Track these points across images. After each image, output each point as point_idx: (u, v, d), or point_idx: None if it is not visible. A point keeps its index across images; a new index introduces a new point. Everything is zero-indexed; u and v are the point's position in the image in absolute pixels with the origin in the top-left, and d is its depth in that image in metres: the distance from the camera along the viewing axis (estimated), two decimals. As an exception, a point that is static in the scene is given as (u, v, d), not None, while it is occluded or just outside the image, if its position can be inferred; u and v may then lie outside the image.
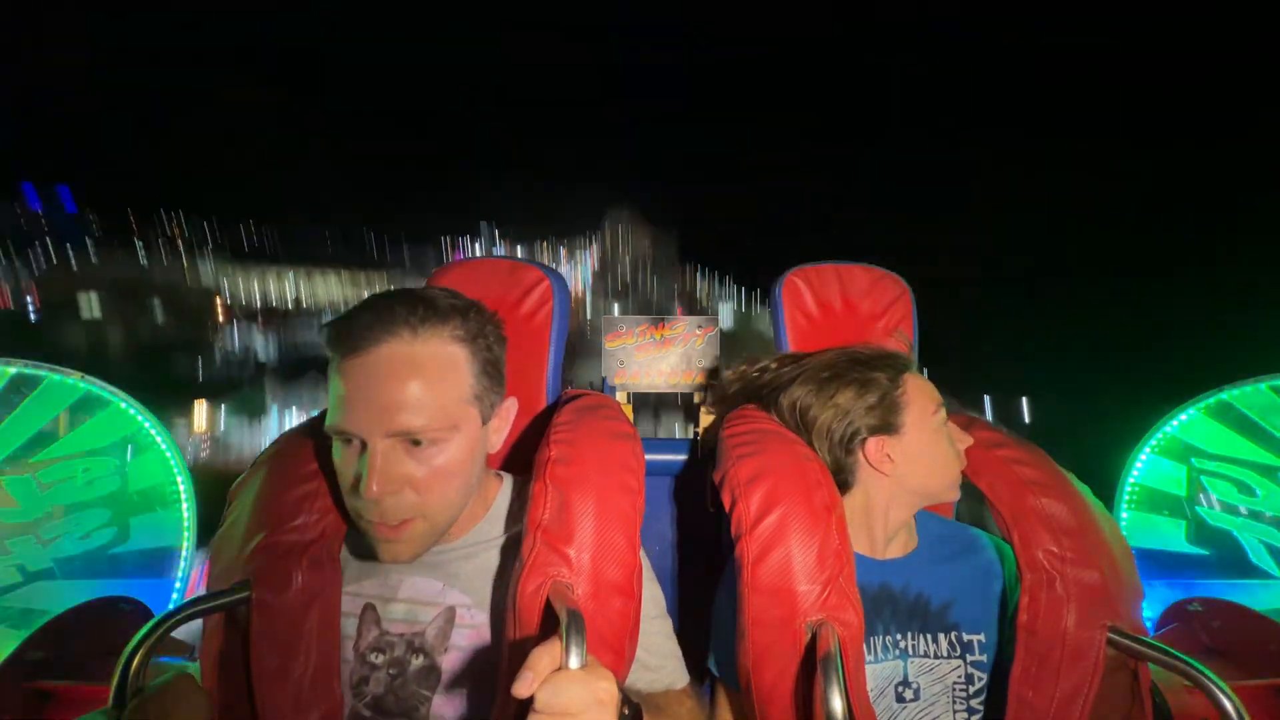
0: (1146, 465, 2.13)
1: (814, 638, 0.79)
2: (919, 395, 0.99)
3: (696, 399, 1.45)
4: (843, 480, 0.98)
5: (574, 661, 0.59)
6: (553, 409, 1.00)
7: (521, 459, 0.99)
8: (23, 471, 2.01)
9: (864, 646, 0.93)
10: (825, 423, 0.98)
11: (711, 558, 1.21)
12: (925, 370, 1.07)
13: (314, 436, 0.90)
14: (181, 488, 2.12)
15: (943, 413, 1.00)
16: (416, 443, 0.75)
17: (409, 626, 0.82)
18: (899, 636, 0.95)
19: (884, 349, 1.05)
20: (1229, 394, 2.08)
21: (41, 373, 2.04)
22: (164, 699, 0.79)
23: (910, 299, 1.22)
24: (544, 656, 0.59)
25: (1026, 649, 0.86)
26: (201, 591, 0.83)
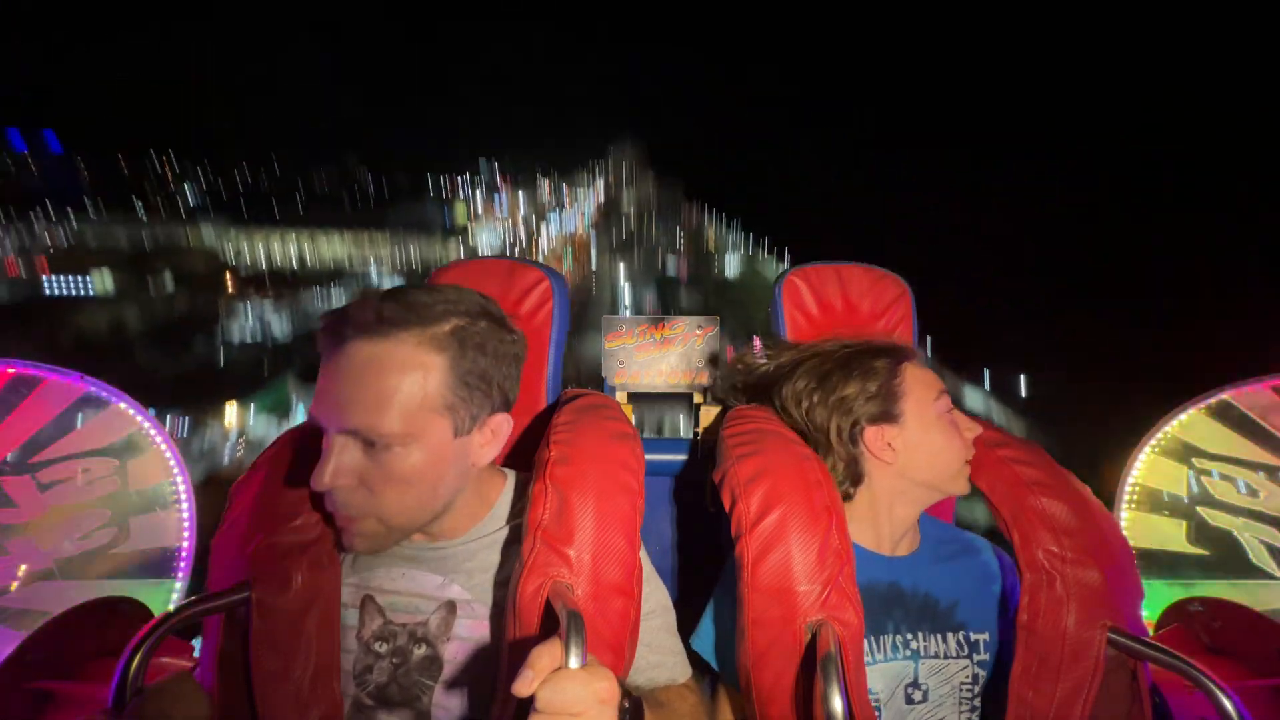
0: (1147, 465, 2.13)
1: (814, 637, 0.80)
2: (917, 383, 0.99)
3: (696, 399, 1.45)
4: (855, 474, 0.98)
5: (574, 661, 0.59)
6: (553, 409, 1.00)
7: (522, 459, 0.99)
8: (23, 472, 2.01)
9: (874, 645, 0.93)
10: (827, 415, 0.98)
11: (711, 558, 1.21)
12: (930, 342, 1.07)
13: (313, 437, 0.91)
14: (181, 488, 2.12)
15: (945, 400, 0.99)
16: (370, 443, 0.73)
17: (411, 617, 0.83)
18: (909, 636, 0.95)
19: (884, 339, 1.05)
20: (1229, 394, 2.08)
21: (41, 374, 2.04)
22: (164, 699, 0.79)
23: (910, 299, 1.22)
24: (544, 656, 0.59)
25: (1027, 648, 0.86)
26: (202, 592, 0.84)
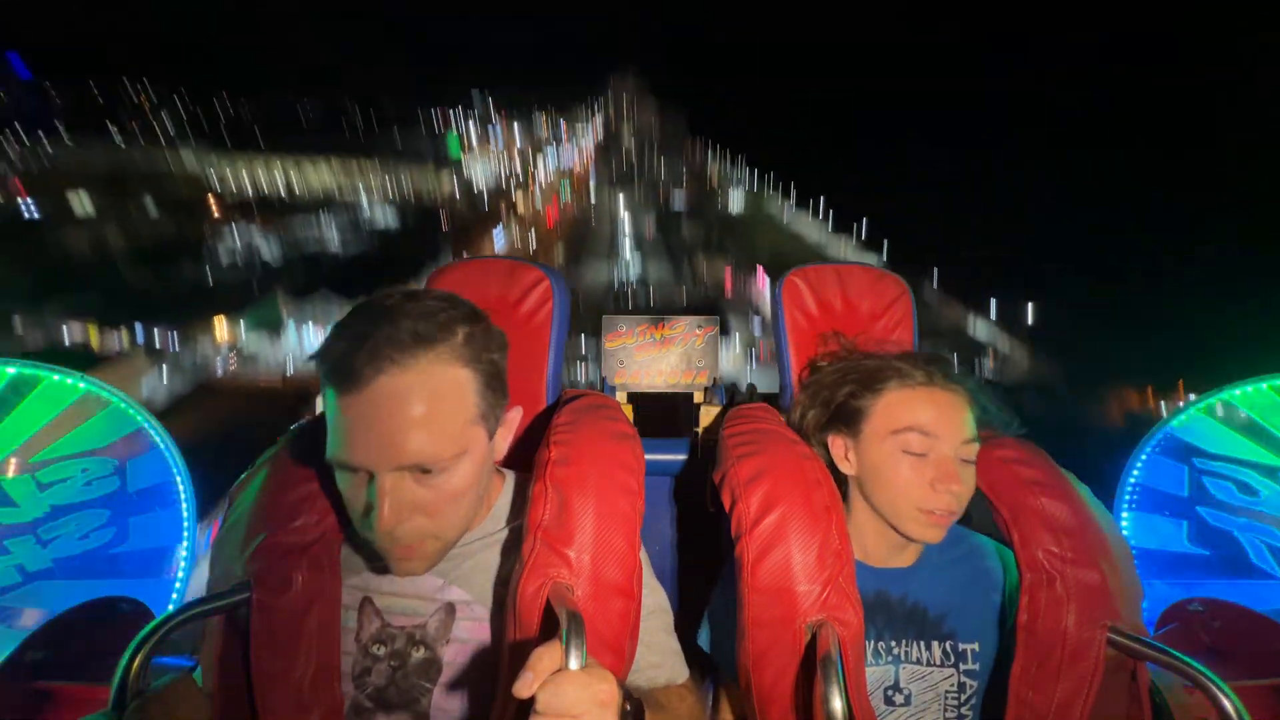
0: (1147, 465, 2.13)
1: (814, 638, 0.80)
2: (890, 407, 0.93)
3: (696, 399, 1.45)
4: (838, 478, 0.97)
5: (574, 663, 0.59)
6: (553, 409, 1.00)
7: (522, 459, 0.99)
8: (23, 471, 2.01)
9: None
10: (810, 405, 1.00)
11: (711, 558, 1.21)
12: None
13: (314, 438, 0.90)
14: (181, 488, 2.12)
15: (912, 437, 0.90)
16: (425, 471, 0.73)
17: (410, 619, 0.83)
18: (893, 643, 0.95)
19: (893, 355, 1.00)
20: (1230, 394, 2.08)
21: (41, 373, 2.04)
22: (164, 700, 0.79)
23: (910, 299, 1.22)
24: (544, 657, 0.59)
25: (1026, 649, 0.86)
26: (202, 593, 0.84)
